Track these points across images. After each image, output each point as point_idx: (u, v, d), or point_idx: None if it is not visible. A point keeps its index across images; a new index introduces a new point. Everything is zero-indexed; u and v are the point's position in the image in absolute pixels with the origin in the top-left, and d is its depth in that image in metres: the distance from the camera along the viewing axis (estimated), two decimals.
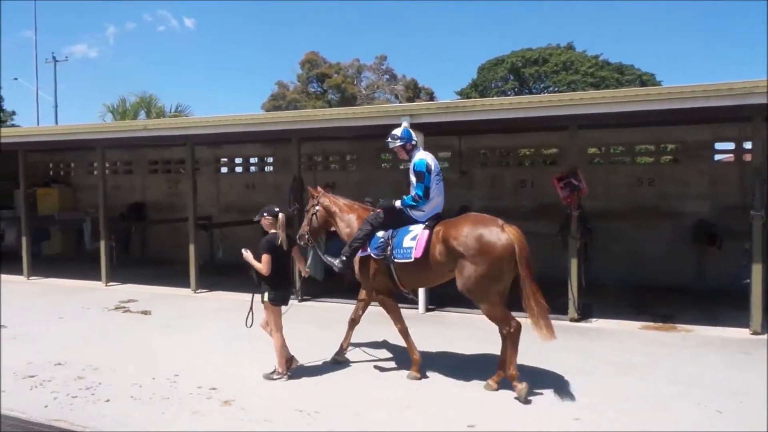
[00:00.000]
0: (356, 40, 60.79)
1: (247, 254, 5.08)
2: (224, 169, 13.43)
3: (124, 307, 8.14)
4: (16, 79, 52.97)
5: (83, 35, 74.75)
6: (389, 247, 4.95)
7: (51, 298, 9.01)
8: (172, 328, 6.98)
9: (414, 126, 7.51)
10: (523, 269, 4.47)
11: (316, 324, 7.19)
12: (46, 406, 4.52)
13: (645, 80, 32.32)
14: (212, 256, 11.68)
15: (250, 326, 5.07)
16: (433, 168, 5.03)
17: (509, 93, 34.28)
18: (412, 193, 5.00)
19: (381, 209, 5.19)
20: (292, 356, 5.26)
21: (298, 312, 7.89)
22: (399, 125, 7.31)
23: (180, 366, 5.50)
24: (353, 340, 5.74)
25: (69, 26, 66.43)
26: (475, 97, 30.13)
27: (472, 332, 6.60)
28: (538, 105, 6.77)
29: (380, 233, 5.06)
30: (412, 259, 4.82)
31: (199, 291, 9.30)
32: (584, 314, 7.42)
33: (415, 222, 4.98)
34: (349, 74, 35.81)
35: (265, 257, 4.97)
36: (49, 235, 13.37)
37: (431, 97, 34.30)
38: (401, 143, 5.22)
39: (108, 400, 4.64)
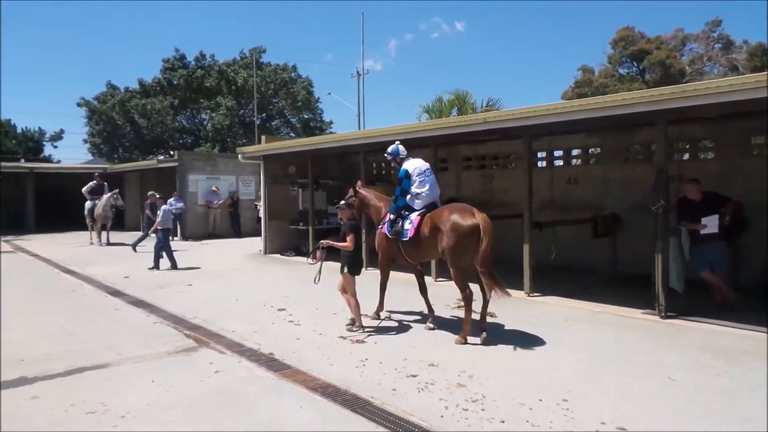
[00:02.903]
0: (676, 7, 54.05)
1: (327, 241, 6.61)
2: (540, 164, 12.63)
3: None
4: (329, 93, 61.92)
5: (369, 51, 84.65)
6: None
7: (394, 290, 9.45)
8: (528, 339, 6.40)
9: None
10: (485, 244, 5.90)
11: (709, 352, 5.73)
12: (442, 416, 4.28)
13: None
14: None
15: (317, 283, 6.61)
16: (414, 172, 6.68)
17: None
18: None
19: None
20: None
21: (672, 335, 6.49)
22: None
23: (563, 388, 4.80)
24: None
25: (358, 45, 75.92)
26: None
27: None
28: None
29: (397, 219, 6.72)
30: (408, 238, 6.54)
31: (533, 294, 8.68)
32: None
33: (415, 211, 6.64)
34: (670, 47, 31.45)
35: (350, 236, 6.50)
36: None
37: None
38: (391, 157, 7.00)
39: (503, 421, 4.17)
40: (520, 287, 8.82)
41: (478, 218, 6.06)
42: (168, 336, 6.69)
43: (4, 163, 28.00)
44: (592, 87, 31.28)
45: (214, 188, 20.08)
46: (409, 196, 6.72)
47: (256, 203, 16.81)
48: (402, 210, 6.76)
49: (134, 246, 15.32)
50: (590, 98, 7.68)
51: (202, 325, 7.13)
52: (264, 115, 38.60)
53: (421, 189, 6.69)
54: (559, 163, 12.45)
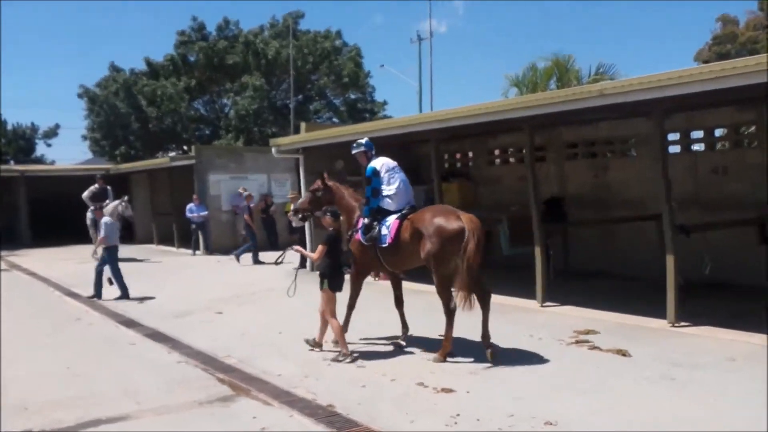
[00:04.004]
0: None
1: (297, 247, 8.23)
2: (672, 148, 11.99)
3: (587, 341, 7.59)
4: (382, 66, 61.98)
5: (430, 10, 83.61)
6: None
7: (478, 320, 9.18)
8: (680, 386, 5.95)
9: None
10: (471, 248, 6.72)
11: None
12: None
13: None
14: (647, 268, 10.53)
15: (292, 296, 7.56)
16: (383, 170, 7.56)
17: None
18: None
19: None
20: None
21: None
22: None
23: None
24: None
25: (417, 5, 75.20)
26: None
27: None
28: None
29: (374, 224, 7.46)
30: (386, 244, 7.29)
31: (679, 324, 8.14)
32: None
33: (391, 213, 7.41)
34: None
35: (320, 247, 7.30)
36: None
37: None
38: (363, 149, 7.86)
39: None
40: (661, 314, 8.32)
41: (464, 220, 6.88)
42: (197, 380, 6.69)
43: None
44: (737, 43, 29.68)
45: (241, 190, 20.23)
46: (380, 197, 7.56)
47: (289, 210, 16.79)
48: (376, 212, 7.51)
49: (237, 256, 16.72)
50: (759, 56, 7.08)
51: (239, 367, 7.10)
52: (300, 96, 38.95)
53: (391, 187, 7.52)
54: (699, 147, 11.82)
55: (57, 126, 47.98)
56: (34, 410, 5.76)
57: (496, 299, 10.43)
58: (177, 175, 22.07)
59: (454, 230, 6.82)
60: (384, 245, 7.35)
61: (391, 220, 7.36)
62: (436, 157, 11.95)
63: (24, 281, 14.78)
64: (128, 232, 21.84)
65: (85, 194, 18.79)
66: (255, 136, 35.88)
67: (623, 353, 7.00)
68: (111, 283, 11.72)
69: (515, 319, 9.03)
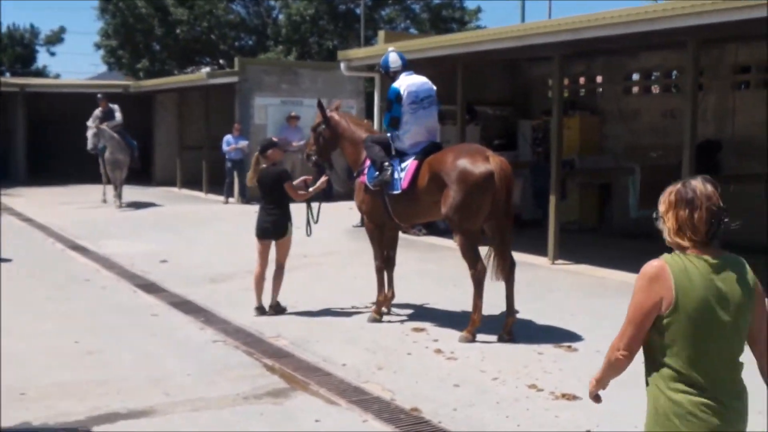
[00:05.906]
0: None
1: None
2: None
3: None
4: None
5: None
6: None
7: (604, 303, 9.02)
8: None
9: None
10: (501, 198, 7.29)
11: None
12: None
13: None
14: None
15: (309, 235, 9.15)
16: (405, 96, 7.82)
17: None
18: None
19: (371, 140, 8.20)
20: None
21: None
22: None
23: None
24: None
25: None
26: None
27: None
28: None
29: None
30: (400, 191, 7.77)
31: None
32: None
33: (405, 154, 7.91)
34: None
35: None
36: (565, 191, 13.96)
37: None
38: (383, 71, 8.80)
39: None
40: None
41: (493, 163, 7.25)
42: (239, 366, 6.75)
43: None
44: None
45: (293, 114, 20.06)
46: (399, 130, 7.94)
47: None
48: (387, 151, 7.90)
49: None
50: None
51: (292, 351, 7.16)
52: None
53: (408, 121, 7.80)
54: None
55: (62, 29, 49.08)
56: (34, 396, 5.87)
57: (617, 277, 10.21)
58: (214, 96, 22.33)
59: (482, 175, 7.20)
60: (396, 192, 7.75)
61: (408, 161, 7.78)
62: (559, 81, 11.74)
63: (18, 229, 15.19)
64: (144, 172, 22.20)
65: (90, 122, 18.77)
66: (311, 50, 35.68)
67: None
68: None
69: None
